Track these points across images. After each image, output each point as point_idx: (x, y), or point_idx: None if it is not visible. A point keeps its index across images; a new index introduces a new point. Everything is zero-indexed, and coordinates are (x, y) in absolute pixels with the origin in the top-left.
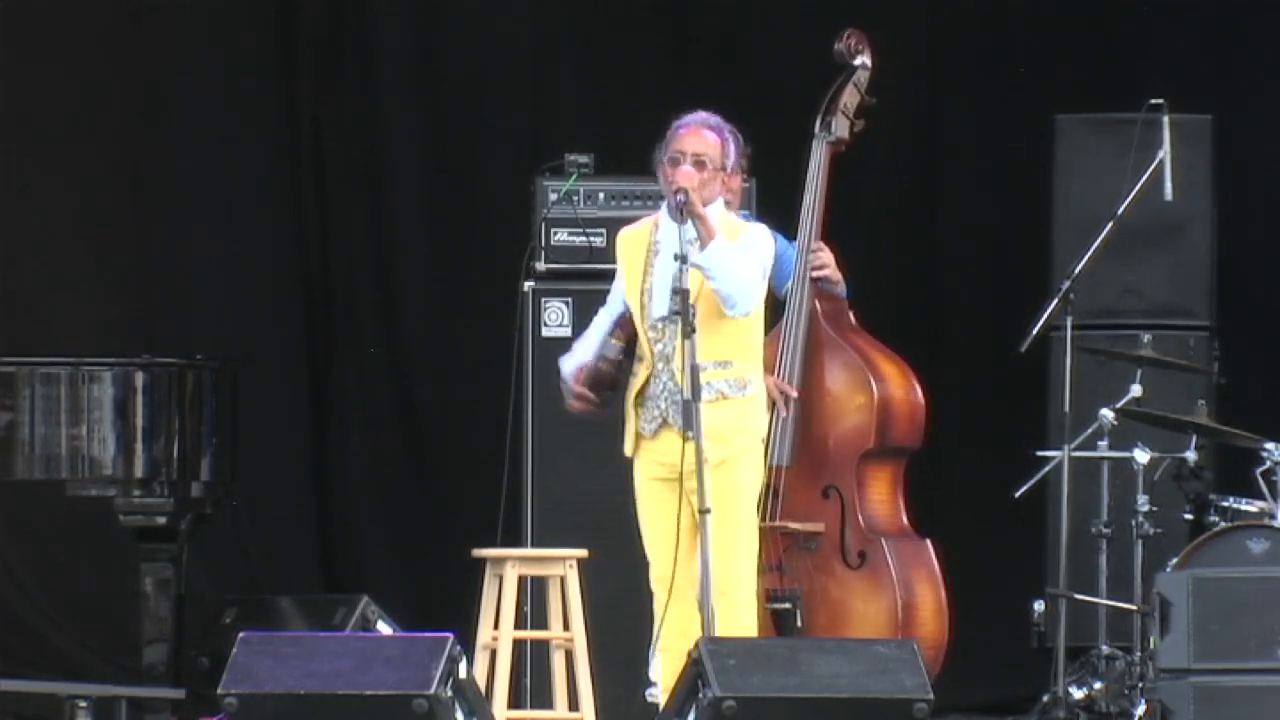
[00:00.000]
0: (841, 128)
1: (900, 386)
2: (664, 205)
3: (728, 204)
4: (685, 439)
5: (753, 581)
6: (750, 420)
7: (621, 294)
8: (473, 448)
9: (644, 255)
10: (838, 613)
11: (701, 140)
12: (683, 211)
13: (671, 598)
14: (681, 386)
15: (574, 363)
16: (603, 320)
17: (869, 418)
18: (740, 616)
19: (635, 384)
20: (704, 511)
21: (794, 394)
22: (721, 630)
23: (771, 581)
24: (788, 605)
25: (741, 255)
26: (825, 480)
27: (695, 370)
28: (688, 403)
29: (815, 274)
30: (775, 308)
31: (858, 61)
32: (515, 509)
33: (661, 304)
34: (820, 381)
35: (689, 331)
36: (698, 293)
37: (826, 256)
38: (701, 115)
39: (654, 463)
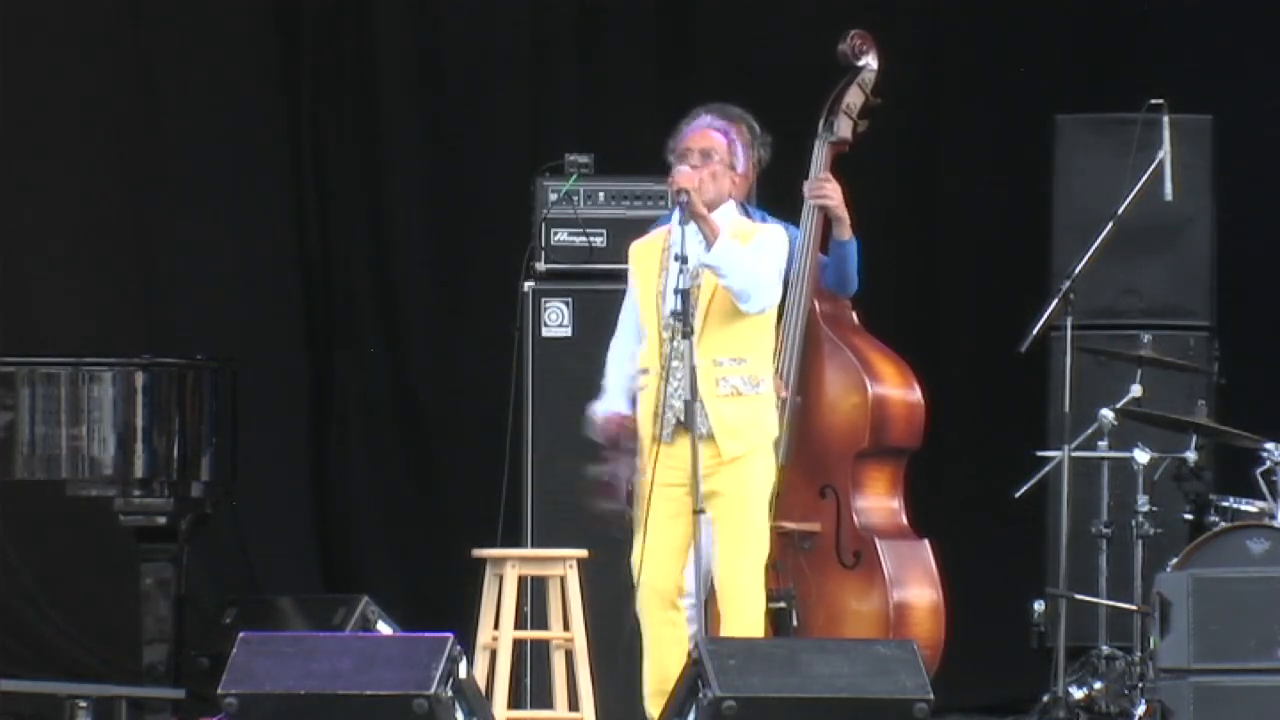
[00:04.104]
0: (844, 128)
1: (896, 386)
2: (674, 210)
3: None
4: (702, 440)
5: (760, 580)
6: (764, 417)
7: (635, 311)
8: (473, 448)
9: (659, 260)
10: (832, 612)
11: (708, 140)
12: (683, 212)
13: (659, 607)
14: (695, 385)
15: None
16: (619, 354)
17: (863, 417)
18: (747, 615)
19: (646, 395)
20: (698, 512)
21: (784, 393)
22: (728, 628)
23: (767, 581)
24: (783, 604)
25: (752, 252)
26: (822, 480)
27: (694, 371)
28: (688, 403)
29: (819, 201)
30: (780, 310)
31: (862, 62)
32: (515, 509)
33: (677, 301)
34: (817, 381)
35: (688, 332)
36: (711, 292)
37: (832, 188)
38: (709, 118)
39: (667, 468)
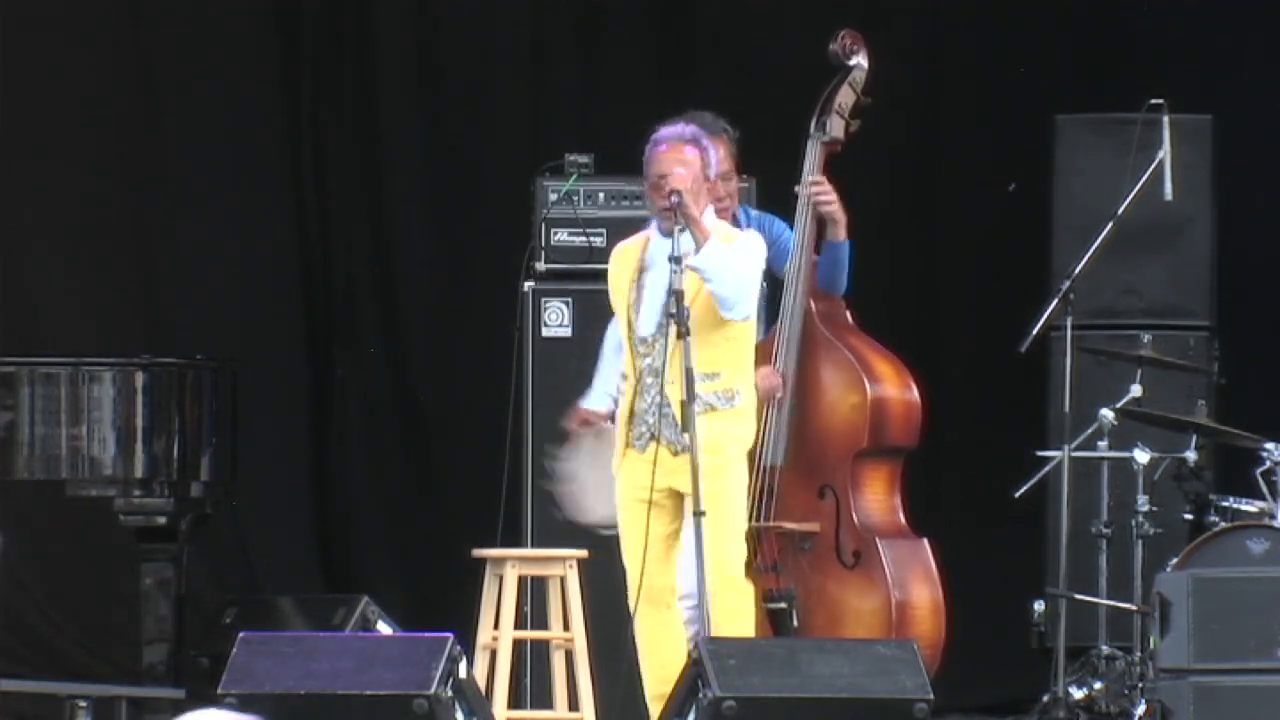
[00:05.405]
0: (836, 128)
1: (894, 386)
2: (653, 222)
3: (723, 210)
4: (674, 453)
5: (740, 573)
6: (739, 430)
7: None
8: (473, 448)
9: (633, 272)
10: (833, 613)
11: (680, 158)
12: (676, 214)
13: (649, 608)
14: (682, 392)
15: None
16: (612, 345)
17: (862, 418)
18: (734, 609)
19: (623, 402)
20: (699, 514)
21: (780, 395)
22: (716, 625)
23: (767, 581)
24: (783, 605)
25: (737, 257)
26: (820, 480)
27: (690, 373)
28: (684, 404)
29: (823, 208)
30: (771, 309)
31: (853, 62)
32: (515, 509)
33: (649, 321)
34: (814, 381)
35: (683, 333)
36: (692, 298)
37: (830, 193)
38: (676, 130)
39: (633, 483)
